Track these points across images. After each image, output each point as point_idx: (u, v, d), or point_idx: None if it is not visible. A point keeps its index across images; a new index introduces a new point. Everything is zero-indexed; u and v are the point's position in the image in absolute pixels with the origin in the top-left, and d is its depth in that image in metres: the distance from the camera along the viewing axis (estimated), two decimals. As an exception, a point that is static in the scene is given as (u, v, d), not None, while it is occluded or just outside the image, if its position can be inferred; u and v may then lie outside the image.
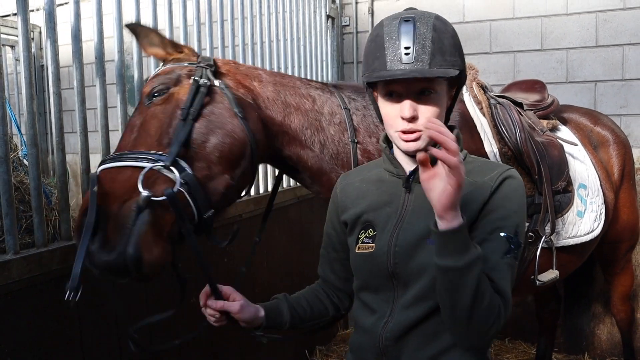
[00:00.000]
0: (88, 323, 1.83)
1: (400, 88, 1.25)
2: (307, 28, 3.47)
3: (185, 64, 1.65)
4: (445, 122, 1.34)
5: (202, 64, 1.64)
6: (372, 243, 1.31)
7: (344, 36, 4.13)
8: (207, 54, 2.53)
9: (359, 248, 1.33)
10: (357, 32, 4.08)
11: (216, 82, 1.61)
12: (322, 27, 3.73)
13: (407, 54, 1.22)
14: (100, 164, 1.44)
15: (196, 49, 2.44)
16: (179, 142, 1.42)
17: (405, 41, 1.22)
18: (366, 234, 1.33)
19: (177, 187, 1.36)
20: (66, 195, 1.87)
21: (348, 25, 4.09)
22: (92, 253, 1.30)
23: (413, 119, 1.23)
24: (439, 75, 1.22)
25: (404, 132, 1.25)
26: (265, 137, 1.70)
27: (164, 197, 1.32)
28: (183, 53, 1.70)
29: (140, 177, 1.33)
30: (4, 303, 1.56)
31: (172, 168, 1.38)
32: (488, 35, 3.73)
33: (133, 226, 1.31)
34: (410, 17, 1.25)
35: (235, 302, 1.37)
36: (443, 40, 1.24)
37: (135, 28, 1.68)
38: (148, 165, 1.36)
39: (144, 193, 1.31)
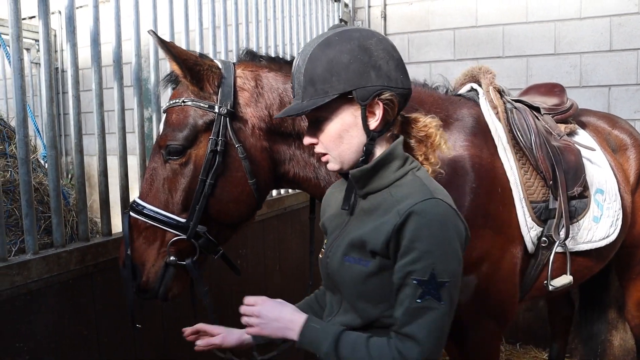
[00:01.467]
0: (105, 323, 1.85)
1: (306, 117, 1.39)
2: (320, 32, 3.49)
3: (203, 105, 1.62)
4: (373, 137, 1.30)
5: (221, 110, 1.62)
6: (324, 250, 1.41)
7: (356, 40, 4.13)
8: (223, 57, 2.55)
9: (321, 252, 1.44)
10: (369, 36, 4.09)
11: (235, 144, 1.63)
12: (335, 30, 3.74)
13: (292, 88, 1.34)
14: (132, 209, 1.65)
15: (211, 53, 2.47)
16: (198, 216, 1.61)
17: (292, 78, 1.34)
18: (326, 240, 1.44)
19: (197, 255, 1.65)
20: (84, 196, 1.89)
21: (360, 29, 4.10)
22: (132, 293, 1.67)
23: (313, 144, 1.35)
24: (304, 109, 1.27)
25: (315, 154, 1.40)
26: (274, 181, 1.79)
27: (187, 262, 1.64)
28: (203, 91, 1.63)
29: (168, 245, 1.62)
30: (23, 302, 1.59)
31: (193, 241, 1.63)
32: (501, 39, 3.72)
33: (162, 279, 1.64)
34: (301, 51, 1.34)
35: (217, 337, 1.53)
36: (315, 68, 1.27)
37: (161, 41, 1.62)
38: (175, 233, 1.63)
39: (171, 258, 1.63)
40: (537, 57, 3.65)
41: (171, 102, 1.67)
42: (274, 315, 1.30)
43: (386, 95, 1.27)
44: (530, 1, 3.63)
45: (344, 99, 1.27)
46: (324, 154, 1.34)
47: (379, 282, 1.26)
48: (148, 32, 1.66)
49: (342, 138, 1.29)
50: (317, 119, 1.31)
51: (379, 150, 1.32)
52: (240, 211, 1.71)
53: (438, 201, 1.23)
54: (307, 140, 1.35)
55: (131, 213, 1.64)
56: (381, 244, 1.23)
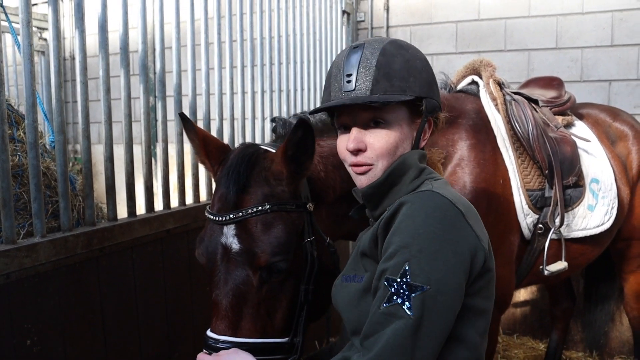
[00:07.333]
0: (109, 306, 1.88)
1: (348, 119, 1.19)
2: (323, 23, 3.50)
3: (290, 206, 1.35)
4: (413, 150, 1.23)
5: (309, 206, 1.38)
6: None
7: (359, 32, 4.14)
8: (227, 46, 2.56)
9: None
10: (372, 28, 4.10)
11: (325, 240, 1.44)
12: (338, 22, 3.75)
13: (348, 81, 1.17)
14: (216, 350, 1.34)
15: (216, 42, 2.48)
16: (302, 330, 1.39)
17: (348, 68, 1.18)
18: None
19: None
20: (91, 181, 1.91)
21: (363, 21, 4.11)
22: None
23: (359, 151, 1.16)
24: (377, 101, 1.11)
25: (353, 165, 1.19)
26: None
27: None
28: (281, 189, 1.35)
29: None
30: (31, 284, 1.61)
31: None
32: (503, 33, 3.73)
33: None
34: (360, 44, 1.21)
35: None
36: (392, 64, 1.16)
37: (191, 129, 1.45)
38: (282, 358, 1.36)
39: None
40: (538, 51, 3.67)
41: (249, 210, 1.31)
42: None
43: (439, 113, 1.27)
44: (532, -5, 3.65)
45: (408, 106, 1.19)
46: (368, 165, 1.16)
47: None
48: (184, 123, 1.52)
49: (397, 149, 1.17)
50: (375, 122, 1.16)
51: None
52: (329, 301, 1.47)
53: (434, 194, 1.06)
54: (353, 144, 1.15)
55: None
56: (369, 243, 1.11)
